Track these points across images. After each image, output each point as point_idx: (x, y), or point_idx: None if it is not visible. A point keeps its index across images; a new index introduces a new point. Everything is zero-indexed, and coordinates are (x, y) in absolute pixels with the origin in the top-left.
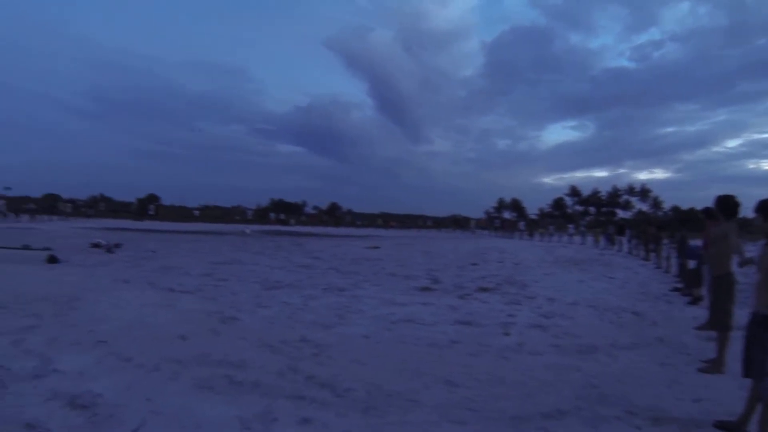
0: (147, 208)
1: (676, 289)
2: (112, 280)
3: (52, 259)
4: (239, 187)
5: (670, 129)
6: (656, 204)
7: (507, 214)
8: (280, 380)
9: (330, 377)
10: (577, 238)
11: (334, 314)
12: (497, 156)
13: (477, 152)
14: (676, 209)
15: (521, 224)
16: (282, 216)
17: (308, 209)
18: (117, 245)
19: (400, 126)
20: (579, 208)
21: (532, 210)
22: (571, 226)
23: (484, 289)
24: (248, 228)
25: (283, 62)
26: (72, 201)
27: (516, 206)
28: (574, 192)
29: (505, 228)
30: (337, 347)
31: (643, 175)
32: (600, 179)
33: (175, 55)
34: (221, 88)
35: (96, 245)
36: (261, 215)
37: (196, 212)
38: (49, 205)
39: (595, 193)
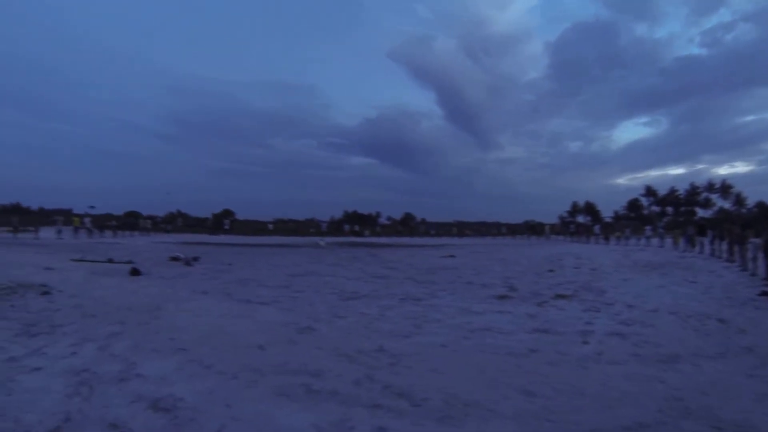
0: (222, 222)
1: (764, 293)
2: (191, 291)
3: (135, 272)
4: (312, 201)
5: (750, 117)
6: (739, 200)
7: (581, 219)
8: (356, 389)
9: (407, 386)
10: (654, 241)
11: (411, 323)
12: (569, 159)
13: (549, 156)
14: (761, 205)
15: (596, 228)
16: (356, 227)
17: (382, 220)
18: (195, 258)
19: (469, 134)
20: (656, 208)
21: (606, 213)
22: (648, 228)
23: (561, 296)
24: (323, 240)
25: (349, 77)
26: (151, 218)
27: (590, 210)
28: (649, 192)
29: (580, 233)
30: (414, 356)
31: (723, 170)
32: (677, 177)
33: (246, 77)
34: (291, 105)
35: (175, 258)
36: (335, 227)
37: (270, 226)
38: (130, 222)
39: (672, 192)
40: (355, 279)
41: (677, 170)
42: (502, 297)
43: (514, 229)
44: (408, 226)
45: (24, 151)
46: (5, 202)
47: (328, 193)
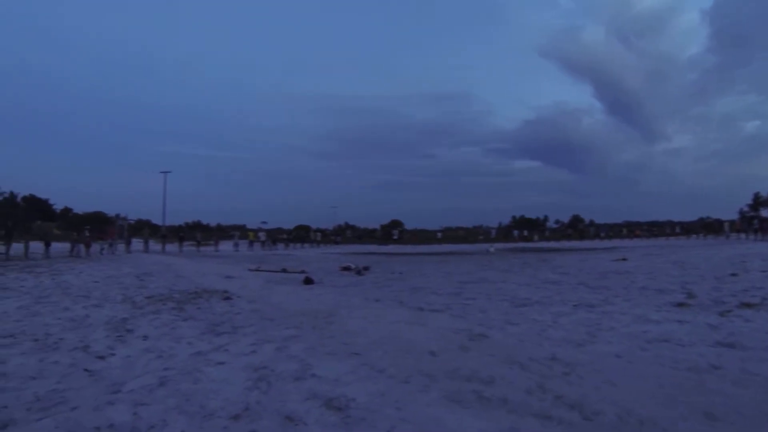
0: (391, 232)
1: None
2: (363, 298)
3: (308, 281)
4: (479, 208)
5: None
6: None
7: (766, 213)
8: (528, 398)
9: (579, 398)
10: None
11: (584, 331)
12: (746, 142)
13: (722, 142)
14: None
15: None
16: (525, 232)
17: (550, 224)
18: (366, 268)
19: (632, 126)
20: None
21: None
22: None
23: (747, 305)
24: (492, 246)
25: (502, 79)
26: (321, 230)
27: None
28: None
29: (766, 230)
30: (587, 366)
31: None
32: None
33: (402, 90)
34: (449, 113)
35: (346, 268)
36: (504, 233)
37: (439, 234)
38: (301, 235)
39: None
40: (526, 285)
41: None
42: (680, 304)
43: (688, 228)
44: (577, 229)
45: (203, 177)
46: (189, 220)
47: (494, 199)
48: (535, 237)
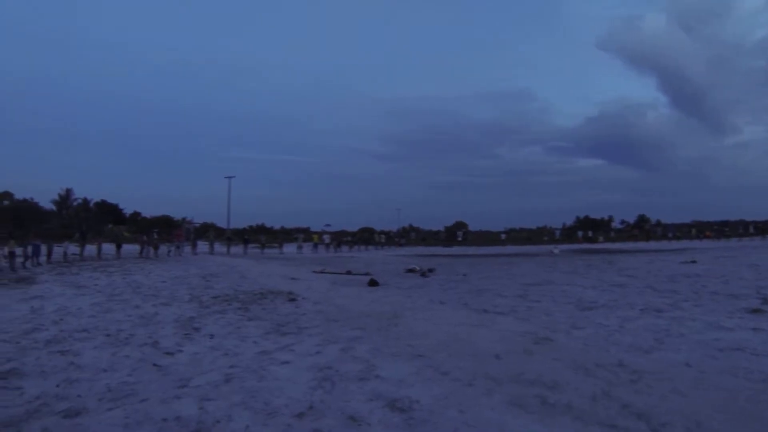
0: (455, 234)
1: None
2: (427, 300)
3: (373, 283)
4: (543, 208)
5: None
6: None
7: None
8: (593, 405)
9: (646, 407)
10: None
11: (652, 337)
12: None
13: None
14: None
15: None
16: (590, 233)
17: (616, 224)
18: (430, 270)
19: (700, 119)
20: None
21: None
22: None
23: None
24: (557, 248)
25: (562, 75)
26: (385, 233)
27: None
28: None
29: None
30: (655, 374)
31: None
32: None
33: (462, 90)
34: (510, 112)
35: (411, 270)
36: (568, 234)
37: (503, 235)
38: (365, 237)
39: None
40: (591, 288)
41: None
42: (755, 311)
43: (762, 228)
44: (643, 229)
45: (267, 181)
46: (253, 223)
47: (558, 199)
48: (600, 238)
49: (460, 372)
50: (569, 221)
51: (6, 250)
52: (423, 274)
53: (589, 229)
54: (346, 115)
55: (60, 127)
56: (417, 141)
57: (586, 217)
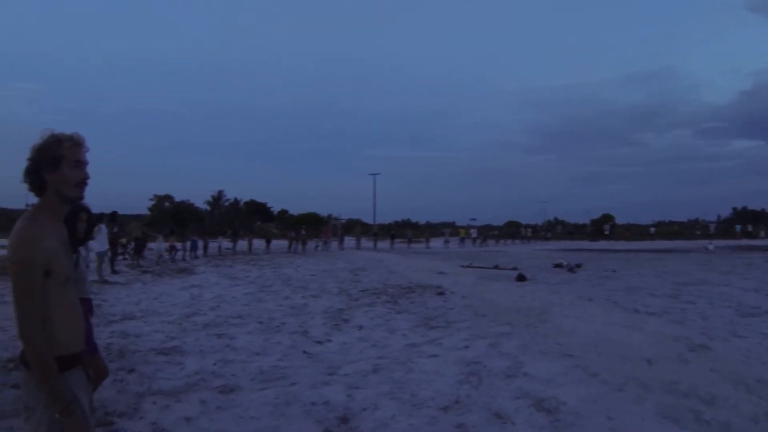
0: (602, 228)
1: None
2: (576, 297)
3: (521, 278)
4: (695, 198)
5: None
6: None
7: None
8: (753, 427)
9: None
10: None
11: None
12: None
13: None
14: None
15: None
16: (749, 227)
17: None
18: (578, 265)
19: None
20: None
21: None
22: None
23: None
24: (711, 244)
25: (708, 46)
26: (531, 226)
27: None
28: None
29: None
30: None
31: None
32: None
33: (601, 74)
34: (654, 93)
35: (558, 265)
36: (724, 228)
37: (652, 229)
38: (511, 231)
39: None
40: (753, 290)
41: None
42: None
43: None
44: None
45: (411, 177)
46: (398, 218)
47: (711, 188)
48: (761, 233)
49: (609, 375)
50: (725, 213)
51: (168, 244)
52: (571, 270)
53: (749, 222)
54: (487, 107)
55: (220, 141)
56: (560, 131)
57: (745, 208)
